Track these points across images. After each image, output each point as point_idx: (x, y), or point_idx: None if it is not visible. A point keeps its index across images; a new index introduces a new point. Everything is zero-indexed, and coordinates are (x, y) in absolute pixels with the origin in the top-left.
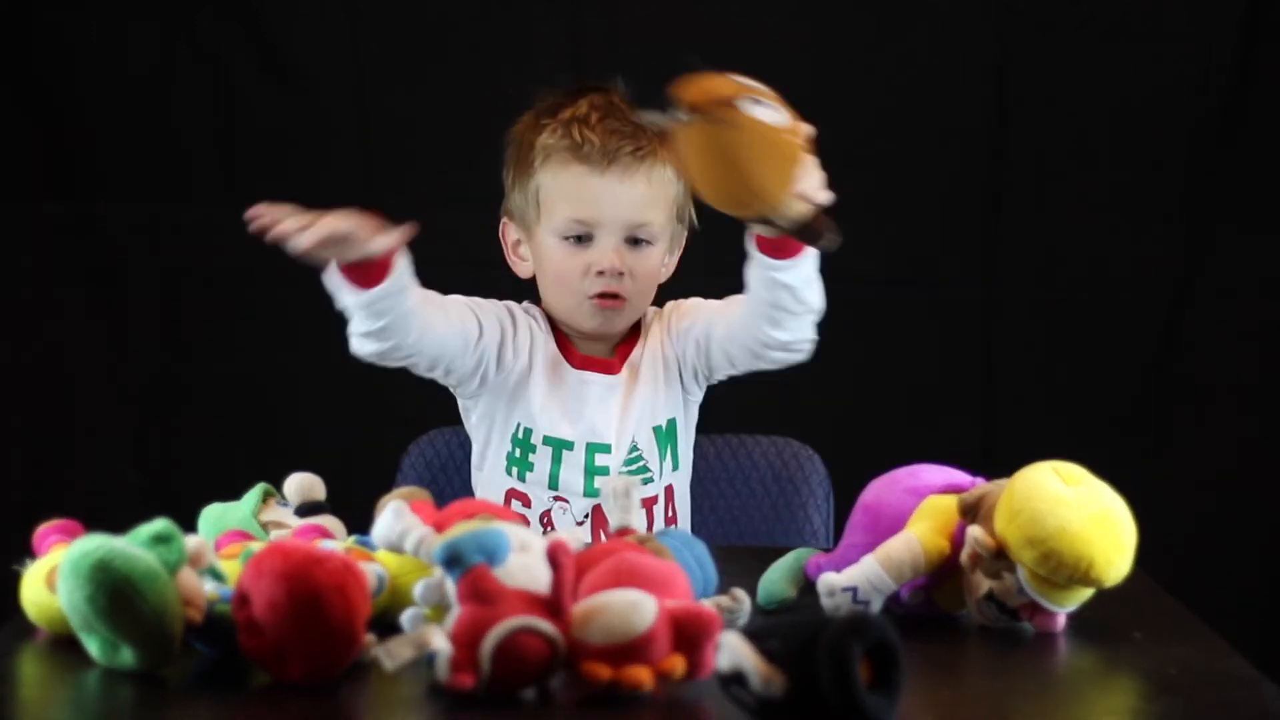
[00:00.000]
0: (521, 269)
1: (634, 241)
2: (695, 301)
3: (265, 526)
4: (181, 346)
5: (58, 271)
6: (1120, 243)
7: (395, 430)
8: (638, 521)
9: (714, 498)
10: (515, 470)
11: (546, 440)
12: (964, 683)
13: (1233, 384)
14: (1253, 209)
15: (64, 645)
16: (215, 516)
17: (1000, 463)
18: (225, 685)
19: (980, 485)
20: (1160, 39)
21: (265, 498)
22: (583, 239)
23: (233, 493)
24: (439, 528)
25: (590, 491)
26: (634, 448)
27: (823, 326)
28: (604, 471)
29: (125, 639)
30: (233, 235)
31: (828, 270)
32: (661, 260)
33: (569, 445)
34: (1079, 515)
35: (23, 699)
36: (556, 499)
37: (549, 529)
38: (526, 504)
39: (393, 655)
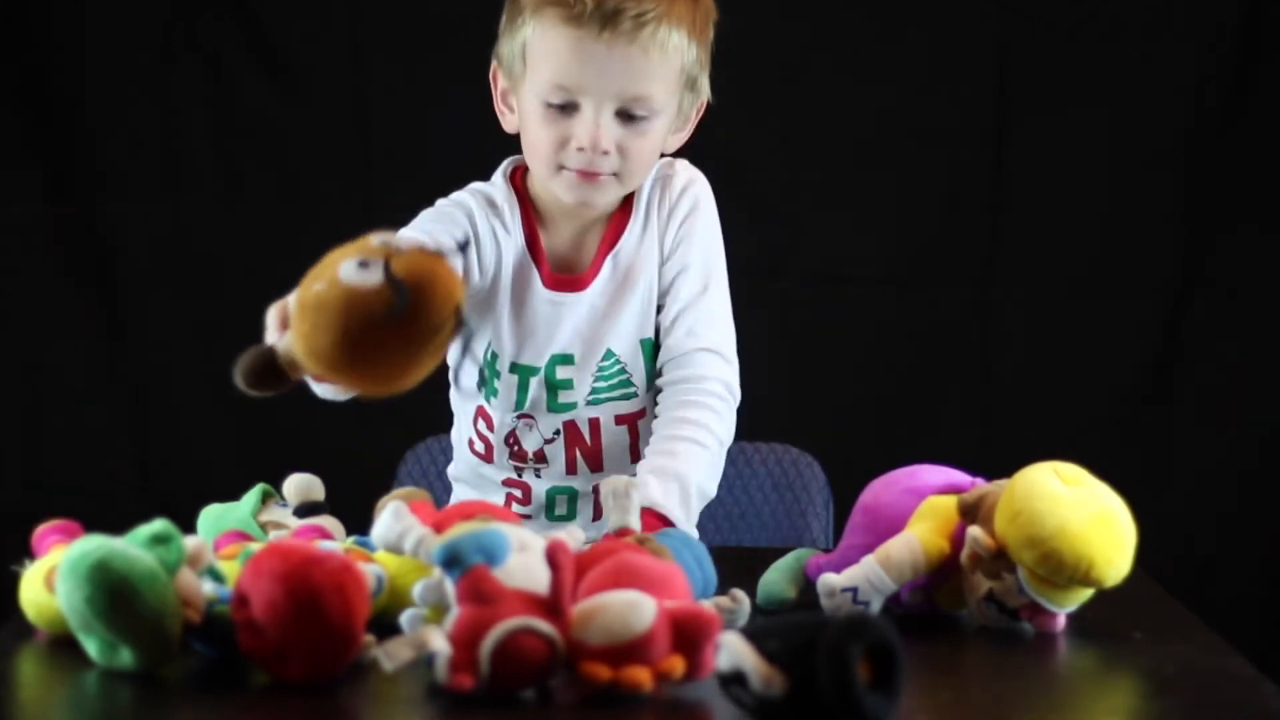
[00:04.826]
0: (508, 121)
1: (628, 116)
2: (695, 255)
3: (264, 527)
4: (181, 346)
5: (58, 271)
6: (1120, 243)
7: (394, 432)
8: (635, 522)
9: (713, 505)
10: (483, 391)
11: (513, 368)
12: (964, 683)
13: (1232, 384)
14: (1253, 209)
15: (63, 646)
16: (214, 517)
17: (1000, 463)
18: (224, 685)
19: (980, 486)
20: (1160, 39)
21: (264, 498)
22: (566, 107)
23: (231, 494)
24: (438, 528)
25: (554, 407)
26: (609, 355)
27: (822, 326)
28: (567, 385)
29: (124, 640)
30: (232, 235)
31: (828, 271)
32: (663, 136)
33: (535, 371)
34: (1079, 516)
35: (21, 699)
36: (521, 417)
37: (515, 447)
38: (490, 426)
39: (392, 656)
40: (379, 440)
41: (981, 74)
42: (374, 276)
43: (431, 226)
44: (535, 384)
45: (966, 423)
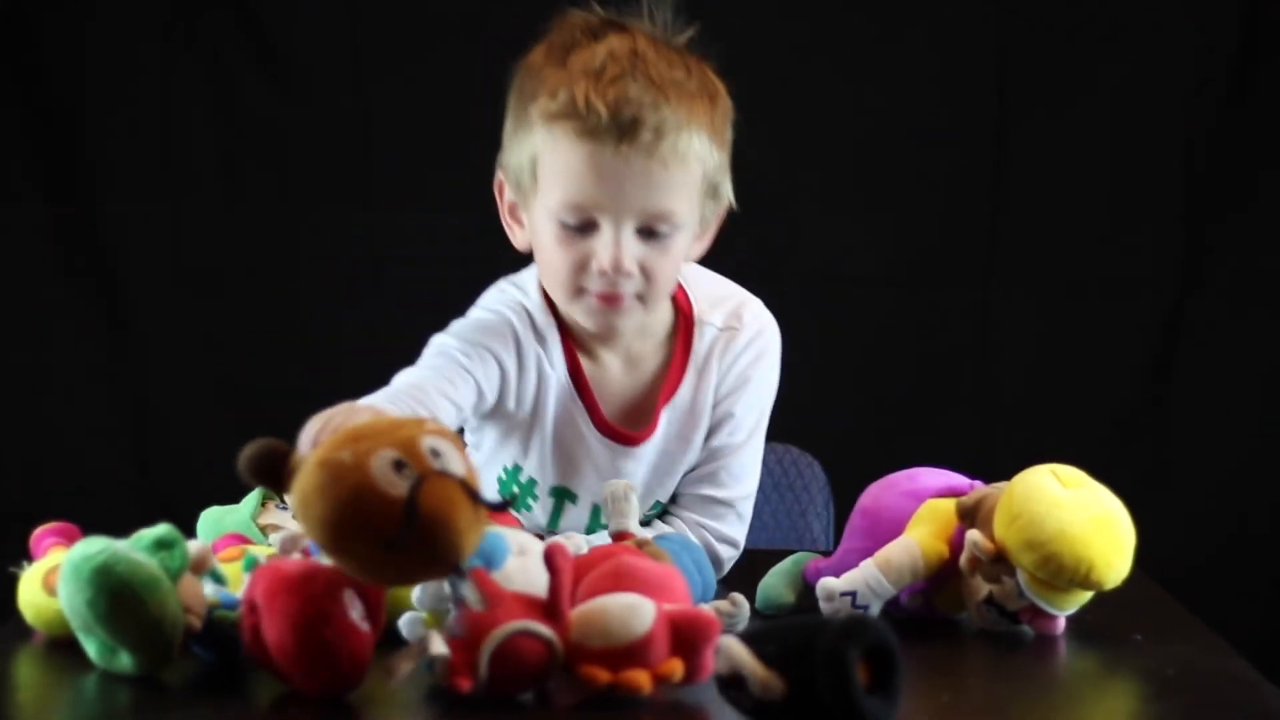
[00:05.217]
0: (518, 238)
1: (649, 233)
2: (741, 418)
3: (264, 530)
4: (181, 346)
5: (57, 271)
6: (1120, 243)
7: None
8: (635, 525)
9: None
10: (514, 505)
11: (554, 491)
12: (964, 685)
13: (1232, 385)
14: (1253, 209)
15: (61, 648)
16: (214, 520)
17: (999, 465)
18: (224, 688)
19: (979, 488)
20: (1160, 40)
21: (264, 501)
22: (583, 227)
23: (230, 494)
24: None
25: (593, 528)
26: (656, 505)
27: (822, 327)
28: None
29: (124, 644)
30: (233, 235)
31: (828, 271)
32: (686, 250)
33: (576, 498)
34: (1078, 518)
35: (20, 701)
36: (551, 533)
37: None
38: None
39: (394, 673)
40: None
41: (981, 74)
42: (397, 489)
43: (454, 379)
44: (576, 510)
45: (966, 423)
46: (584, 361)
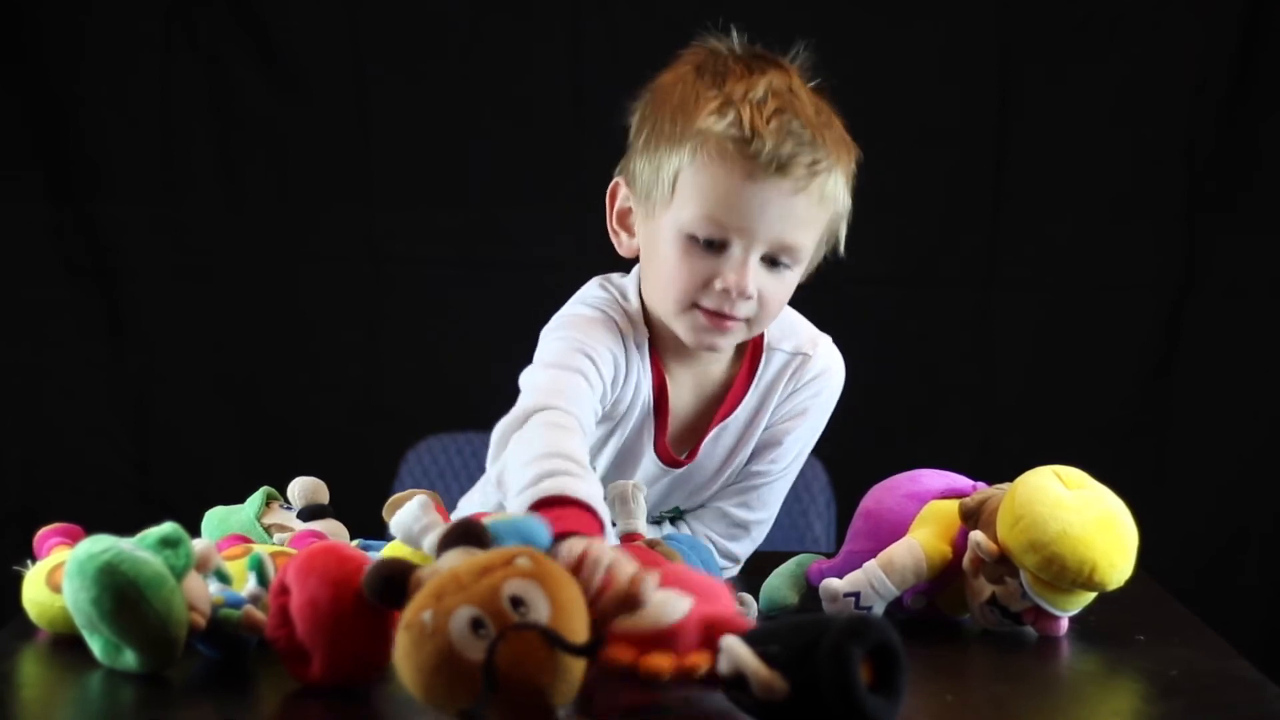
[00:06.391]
0: (624, 245)
1: (772, 262)
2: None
3: (268, 530)
4: (181, 346)
5: (57, 271)
6: (1120, 243)
7: (394, 435)
8: (643, 526)
9: None
10: None
11: None
12: (967, 686)
13: (1234, 385)
14: (1253, 208)
15: (65, 646)
16: (219, 519)
17: (1000, 466)
18: (228, 687)
19: (981, 490)
20: (1161, 39)
21: (268, 501)
22: (714, 244)
23: (231, 494)
24: None
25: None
26: (675, 510)
27: (822, 327)
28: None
29: (129, 642)
30: (232, 235)
31: (828, 271)
32: (795, 285)
33: None
34: (1081, 519)
35: (24, 699)
36: None
37: None
38: None
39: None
40: (379, 440)
41: (983, 74)
42: (475, 651)
43: (589, 345)
44: None
45: (968, 424)
46: (667, 380)
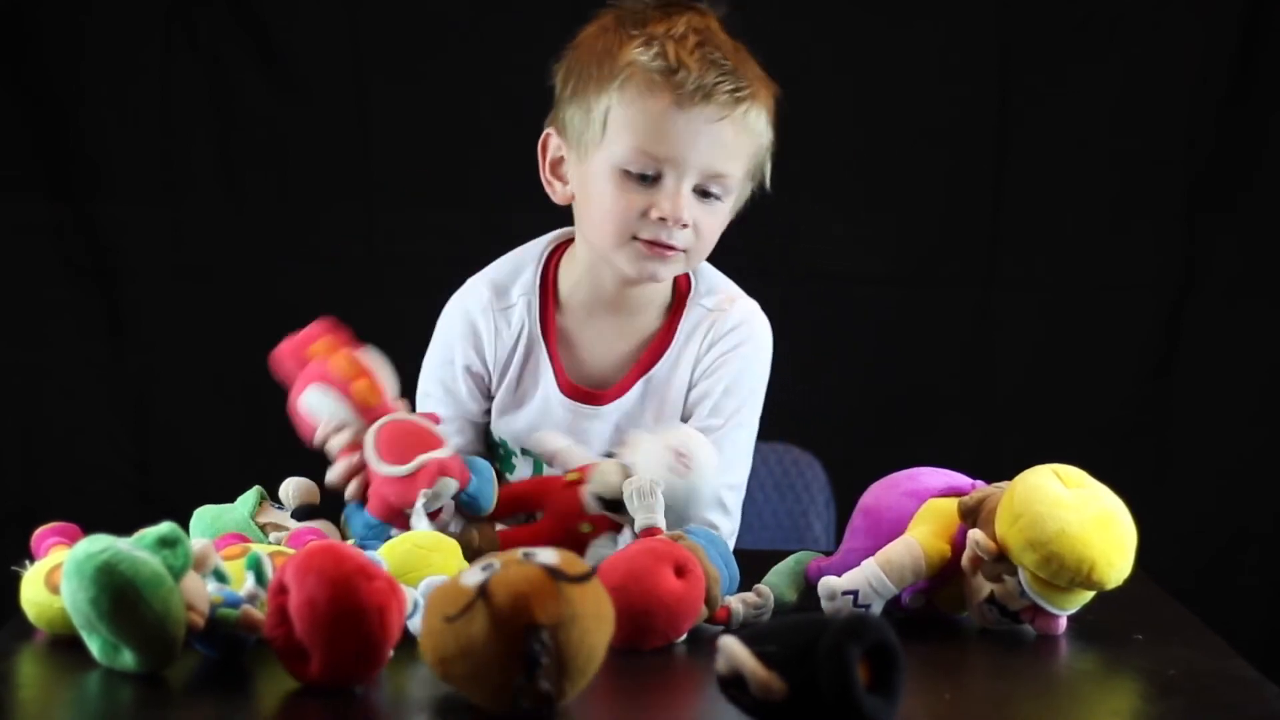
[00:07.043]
0: (559, 192)
1: (704, 193)
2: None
3: (263, 528)
4: (180, 347)
5: (57, 271)
6: (1120, 243)
7: None
8: (661, 520)
9: None
10: (500, 465)
11: (526, 451)
12: (965, 685)
13: (1234, 385)
14: (1253, 209)
15: (63, 646)
16: (209, 519)
17: (999, 465)
18: (227, 686)
19: (980, 488)
20: (1161, 39)
21: (261, 499)
22: (648, 178)
23: (231, 493)
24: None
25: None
26: None
27: (822, 327)
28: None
29: (127, 642)
30: (232, 235)
31: (829, 271)
32: (726, 220)
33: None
34: (1080, 518)
35: (22, 699)
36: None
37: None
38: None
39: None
40: None
41: (983, 73)
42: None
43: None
44: (553, 473)
45: (966, 422)
46: (562, 321)
